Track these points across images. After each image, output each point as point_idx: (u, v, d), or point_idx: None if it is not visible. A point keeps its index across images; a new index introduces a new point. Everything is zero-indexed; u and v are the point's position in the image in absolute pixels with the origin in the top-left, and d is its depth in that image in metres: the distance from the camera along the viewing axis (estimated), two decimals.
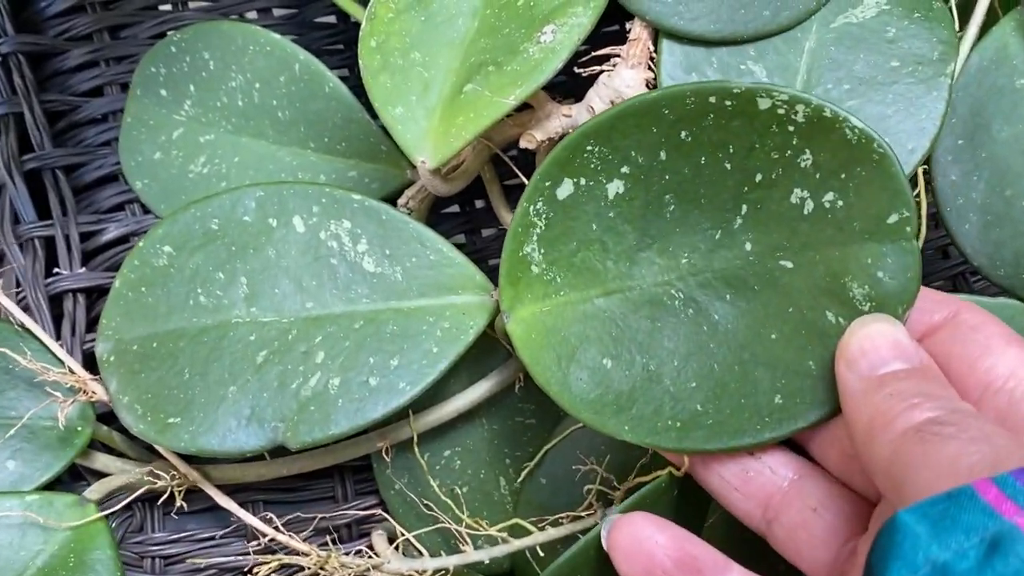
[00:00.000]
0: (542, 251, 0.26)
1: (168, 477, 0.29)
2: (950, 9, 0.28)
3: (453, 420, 0.30)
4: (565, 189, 0.26)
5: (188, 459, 0.29)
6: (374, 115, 0.30)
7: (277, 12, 0.38)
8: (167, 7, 0.37)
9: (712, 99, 0.24)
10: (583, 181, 0.26)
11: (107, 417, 0.30)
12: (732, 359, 0.24)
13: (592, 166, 0.25)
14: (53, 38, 0.36)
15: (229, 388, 0.28)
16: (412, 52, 0.28)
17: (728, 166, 0.24)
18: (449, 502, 0.30)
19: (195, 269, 0.29)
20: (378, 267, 0.29)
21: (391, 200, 0.32)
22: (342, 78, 0.34)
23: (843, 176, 0.23)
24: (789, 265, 0.24)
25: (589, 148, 0.25)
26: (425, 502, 0.30)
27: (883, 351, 0.21)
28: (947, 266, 0.35)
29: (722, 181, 0.25)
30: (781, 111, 0.23)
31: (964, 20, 0.29)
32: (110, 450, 0.31)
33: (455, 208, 0.36)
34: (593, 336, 0.25)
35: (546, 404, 0.30)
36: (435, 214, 0.35)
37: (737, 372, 0.24)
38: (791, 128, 0.23)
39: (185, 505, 0.30)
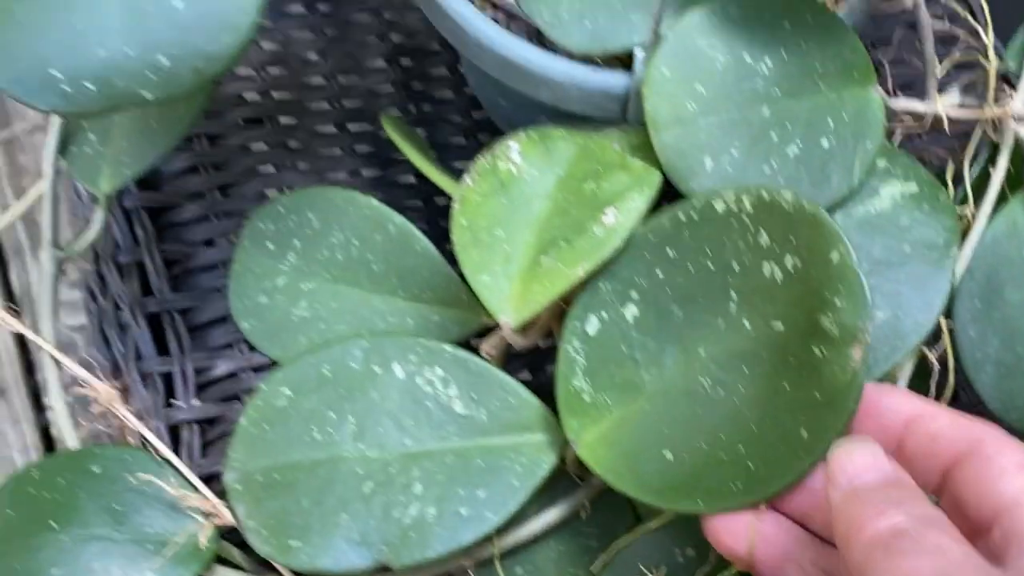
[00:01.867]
0: (588, 381, 0.32)
1: None
2: (965, 195, 0.33)
3: (527, 541, 0.34)
4: (592, 325, 0.32)
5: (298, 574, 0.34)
6: (455, 267, 0.35)
7: (365, 173, 0.43)
8: (269, 169, 0.43)
9: (681, 216, 0.31)
10: (605, 314, 0.32)
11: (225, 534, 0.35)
12: (762, 415, 0.29)
13: (609, 300, 0.32)
14: (170, 194, 0.42)
15: (341, 515, 0.33)
16: (496, 229, 0.33)
17: (711, 265, 0.30)
18: None
19: (310, 409, 0.34)
20: (466, 409, 0.33)
21: (468, 340, 0.37)
22: (422, 231, 0.39)
23: (792, 239, 0.29)
24: (780, 326, 0.29)
25: (602, 286, 0.32)
26: None
27: (859, 467, 0.25)
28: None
29: (710, 279, 0.30)
30: (734, 207, 0.30)
31: (979, 197, 0.34)
32: (228, 563, 0.35)
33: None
34: (650, 438, 0.30)
35: (608, 527, 0.34)
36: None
37: (769, 424, 0.29)
38: (744, 217, 0.30)
39: None
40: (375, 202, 0.39)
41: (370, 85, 0.45)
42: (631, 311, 0.31)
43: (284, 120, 0.44)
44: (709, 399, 0.30)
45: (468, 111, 0.45)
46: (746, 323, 0.30)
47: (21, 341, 0.78)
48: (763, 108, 0.33)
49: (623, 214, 0.32)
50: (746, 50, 0.33)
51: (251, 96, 0.44)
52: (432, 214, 0.43)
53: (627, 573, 0.34)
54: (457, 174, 0.37)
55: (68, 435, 0.36)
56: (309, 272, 0.40)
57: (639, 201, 0.32)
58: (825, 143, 0.33)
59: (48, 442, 1.01)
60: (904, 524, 0.23)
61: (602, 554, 0.34)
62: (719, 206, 0.30)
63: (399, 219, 0.39)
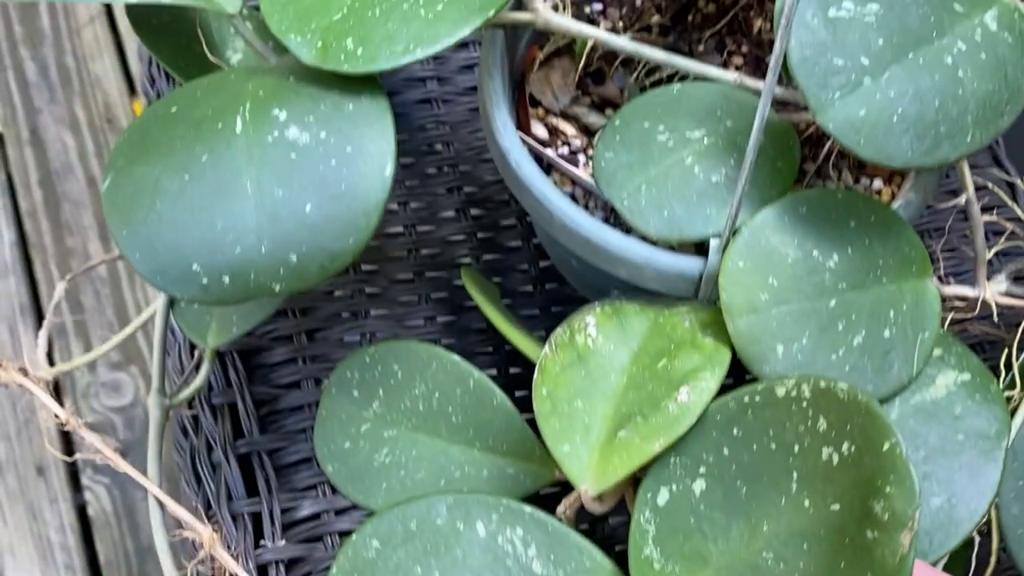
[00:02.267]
0: (658, 550, 0.34)
1: None
2: (1013, 380, 0.36)
3: None
4: (663, 497, 0.34)
5: None
6: (530, 421, 0.38)
7: (440, 319, 0.46)
8: (351, 314, 0.46)
9: (746, 399, 0.33)
10: (675, 487, 0.34)
11: None
12: None
13: (679, 473, 0.34)
14: (259, 338, 0.45)
15: None
16: (575, 400, 0.36)
17: (773, 446, 0.32)
18: None
19: (398, 562, 0.36)
20: (544, 570, 0.36)
21: (539, 492, 0.39)
22: (492, 376, 0.42)
23: (848, 428, 0.31)
24: (837, 507, 0.31)
25: (672, 460, 0.34)
26: None
27: None
28: None
29: (772, 458, 0.33)
30: (793, 392, 0.32)
31: None
32: None
33: None
34: None
35: None
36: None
37: None
38: (803, 403, 0.32)
39: None
40: (456, 357, 0.42)
41: (445, 234, 0.48)
42: (699, 485, 0.34)
43: (366, 267, 0.46)
44: (772, 573, 0.32)
45: (535, 260, 0.48)
46: (806, 503, 0.32)
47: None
48: (830, 300, 0.35)
49: (696, 393, 0.35)
50: (815, 246, 0.35)
51: None
52: (502, 360, 0.46)
53: None
54: (525, 321, 0.40)
55: (169, 572, 0.38)
56: (392, 420, 0.42)
57: (711, 381, 0.35)
58: (887, 333, 0.35)
59: (84, 521, 1.03)
60: None
61: None
62: (780, 391, 0.33)
63: (478, 374, 0.41)
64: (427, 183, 0.49)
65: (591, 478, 0.35)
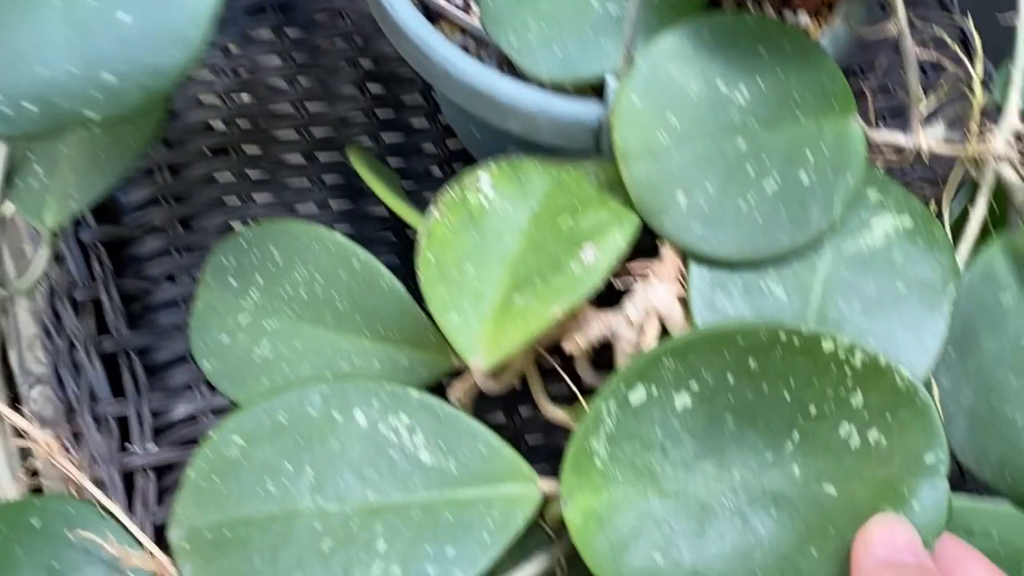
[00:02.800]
0: (607, 448, 0.29)
1: None
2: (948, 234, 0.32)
3: None
4: (638, 395, 0.29)
5: None
6: (425, 307, 0.33)
7: (333, 204, 0.42)
8: (234, 200, 0.41)
9: (782, 335, 0.27)
10: (655, 390, 0.29)
11: None
12: (774, 568, 0.26)
13: (665, 378, 0.29)
14: (129, 227, 0.40)
15: (296, 575, 0.30)
16: (465, 265, 0.31)
17: (787, 396, 0.28)
18: None
19: (264, 460, 0.32)
20: (434, 458, 0.31)
21: (439, 383, 0.35)
22: (392, 266, 0.37)
23: (888, 417, 0.27)
24: (832, 491, 0.27)
25: (665, 361, 0.29)
26: None
27: (899, 543, 0.25)
28: None
29: (780, 409, 0.28)
30: (841, 355, 0.27)
31: (959, 238, 0.32)
32: None
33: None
34: (645, 532, 0.28)
35: None
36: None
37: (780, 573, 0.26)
38: (847, 370, 0.27)
39: None
40: (339, 236, 0.37)
41: (340, 113, 0.43)
42: (683, 400, 0.29)
43: (250, 150, 0.42)
44: (723, 525, 0.28)
45: (443, 140, 0.43)
46: (796, 470, 0.27)
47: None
48: (739, 140, 0.31)
49: (602, 251, 0.30)
50: (720, 78, 0.31)
51: (216, 125, 0.42)
52: (404, 248, 0.41)
53: None
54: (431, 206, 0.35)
55: (6, 484, 0.33)
56: (272, 310, 0.37)
57: (620, 240, 0.30)
58: (804, 177, 0.31)
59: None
60: None
61: None
62: (827, 345, 0.27)
63: (363, 254, 0.37)
64: (320, 58, 0.44)
65: (482, 349, 0.30)
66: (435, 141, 0.43)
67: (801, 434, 0.27)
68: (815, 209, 0.31)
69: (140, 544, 0.32)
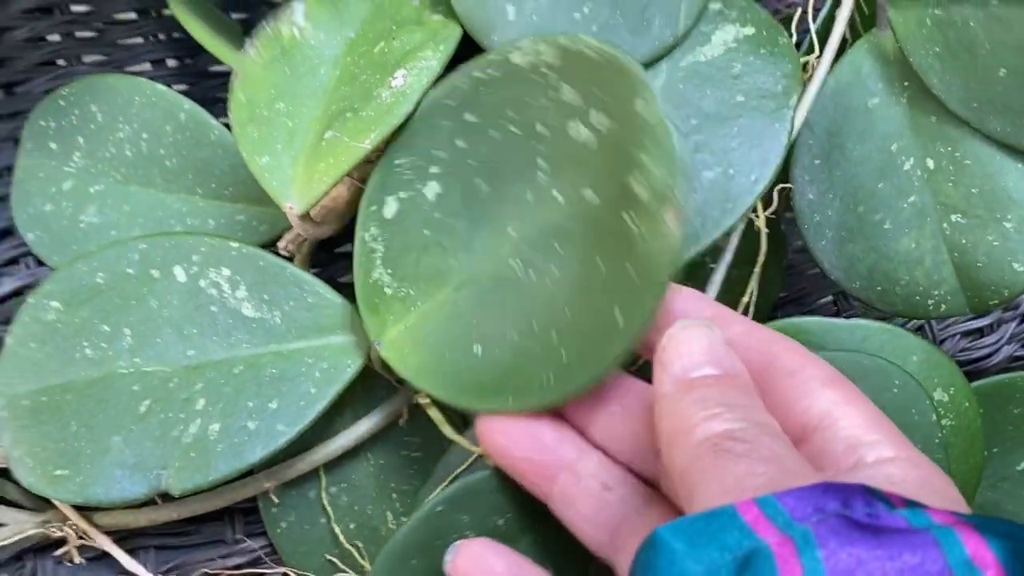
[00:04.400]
0: (389, 271, 0.28)
1: (63, 527, 0.30)
2: (810, 39, 0.30)
3: (339, 457, 0.31)
4: (390, 208, 0.28)
5: (84, 508, 0.30)
6: None
7: (171, 63, 0.39)
8: (61, 62, 0.38)
9: (478, 74, 0.27)
10: (403, 195, 0.28)
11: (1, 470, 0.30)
12: (576, 298, 0.25)
13: (406, 178, 0.27)
14: None
15: (113, 438, 0.28)
16: (277, 103, 0.29)
17: (514, 129, 0.26)
18: (341, 537, 0.30)
19: (81, 323, 0.30)
20: (257, 312, 0.29)
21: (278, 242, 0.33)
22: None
23: (597, 92, 0.25)
24: (592, 195, 0.25)
25: (399, 163, 0.28)
26: (311, 540, 0.31)
27: (696, 355, 0.22)
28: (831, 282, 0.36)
29: (516, 145, 0.26)
30: (532, 58, 0.26)
31: (823, 43, 0.30)
32: (5, 501, 0.31)
33: (348, 248, 0.37)
34: (458, 331, 0.26)
35: (431, 436, 0.31)
36: (328, 253, 0.36)
37: (583, 308, 0.25)
38: (546, 71, 0.26)
39: (77, 554, 0.30)
40: (160, 87, 0.34)
41: None
42: (432, 189, 0.27)
43: (78, 8, 0.38)
44: (521, 284, 0.26)
45: None
46: (557, 194, 0.26)
47: None
48: None
49: (413, 75, 0.28)
50: None
51: None
52: None
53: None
54: None
55: None
56: (97, 173, 0.35)
57: (433, 60, 0.28)
58: None
59: None
60: (739, 428, 0.20)
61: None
62: (518, 59, 0.26)
63: (189, 105, 0.34)
64: None
65: (296, 192, 0.28)
66: None
67: (543, 159, 0.26)
68: (657, 19, 0.28)
69: None
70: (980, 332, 0.36)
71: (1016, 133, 0.30)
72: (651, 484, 0.24)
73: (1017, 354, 0.36)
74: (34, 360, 0.30)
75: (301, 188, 0.28)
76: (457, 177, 0.27)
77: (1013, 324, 0.36)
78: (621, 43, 0.28)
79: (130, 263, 0.30)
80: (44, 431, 0.29)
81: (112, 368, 0.29)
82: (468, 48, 0.28)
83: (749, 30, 0.28)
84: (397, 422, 0.31)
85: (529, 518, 0.26)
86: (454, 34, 0.28)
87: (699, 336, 0.22)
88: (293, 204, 0.28)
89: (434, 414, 0.28)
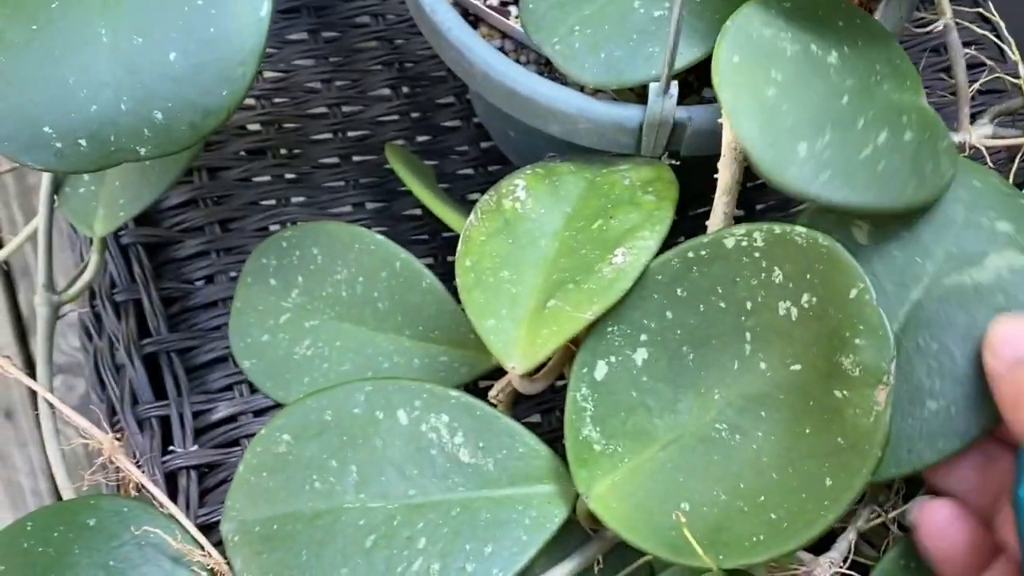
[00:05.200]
0: (598, 429, 0.30)
1: None
2: None
3: None
4: (601, 370, 0.30)
5: None
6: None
7: (369, 206, 0.42)
8: (271, 202, 0.42)
9: (690, 254, 0.29)
10: (613, 359, 0.30)
11: None
12: (783, 462, 0.27)
13: (617, 344, 0.30)
14: (168, 229, 0.41)
15: (341, 570, 0.31)
16: (501, 271, 0.32)
17: (723, 304, 0.29)
18: None
19: (311, 457, 0.33)
20: (472, 458, 0.32)
21: (477, 381, 0.36)
22: (428, 265, 0.38)
23: (808, 276, 0.28)
24: (798, 367, 0.28)
25: (610, 330, 0.30)
26: None
27: (1020, 341, 0.27)
28: None
29: (722, 319, 0.29)
30: (744, 243, 0.28)
31: None
32: None
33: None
34: (665, 487, 0.29)
35: None
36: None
37: (790, 471, 0.27)
38: (756, 254, 0.28)
39: None
40: (380, 237, 0.38)
41: (374, 114, 0.44)
42: (641, 355, 0.30)
43: (286, 151, 0.42)
44: (727, 446, 0.28)
45: (476, 141, 0.44)
46: (762, 364, 0.28)
47: (29, 360, 0.77)
48: (842, 98, 0.30)
49: (633, 253, 0.31)
50: (811, 40, 0.30)
51: (253, 126, 0.43)
52: (439, 248, 0.42)
53: None
54: (465, 206, 0.36)
55: (64, 484, 0.34)
56: (313, 309, 0.38)
57: (650, 239, 0.31)
58: (907, 136, 0.30)
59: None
60: None
61: None
62: (729, 242, 0.29)
63: (405, 255, 0.37)
64: (354, 59, 0.44)
65: (518, 354, 0.31)
66: (468, 142, 0.44)
67: (750, 332, 0.28)
68: (928, 165, 0.30)
69: (195, 540, 0.32)
70: None
71: None
72: None
73: None
74: (265, 489, 0.33)
75: (524, 350, 0.31)
76: (664, 345, 0.30)
77: None
78: (905, 184, 0.29)
79: (357, 404, 0.33)
80: (276, 558, 0.32)
81: (339, 502, 0.32)
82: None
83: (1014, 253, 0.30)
84: (592, 569, 0.33)
85: None
86: (668, 215, 0.31)
87: (1018, 326, 0.28)
88: (516, 365, 0.31)
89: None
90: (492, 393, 0.34)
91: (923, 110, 0.31)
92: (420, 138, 0.44)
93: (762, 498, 0.27)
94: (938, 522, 0.28)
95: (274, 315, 0.38)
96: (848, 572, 0.29)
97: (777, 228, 0.28)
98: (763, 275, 0.28)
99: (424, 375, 0.37)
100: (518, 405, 0.39)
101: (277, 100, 0.43)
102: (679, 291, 0.30)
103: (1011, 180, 0.33)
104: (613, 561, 0.32)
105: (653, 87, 0.32)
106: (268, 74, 0.43)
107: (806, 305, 0.27)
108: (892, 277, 0.30)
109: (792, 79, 0.30)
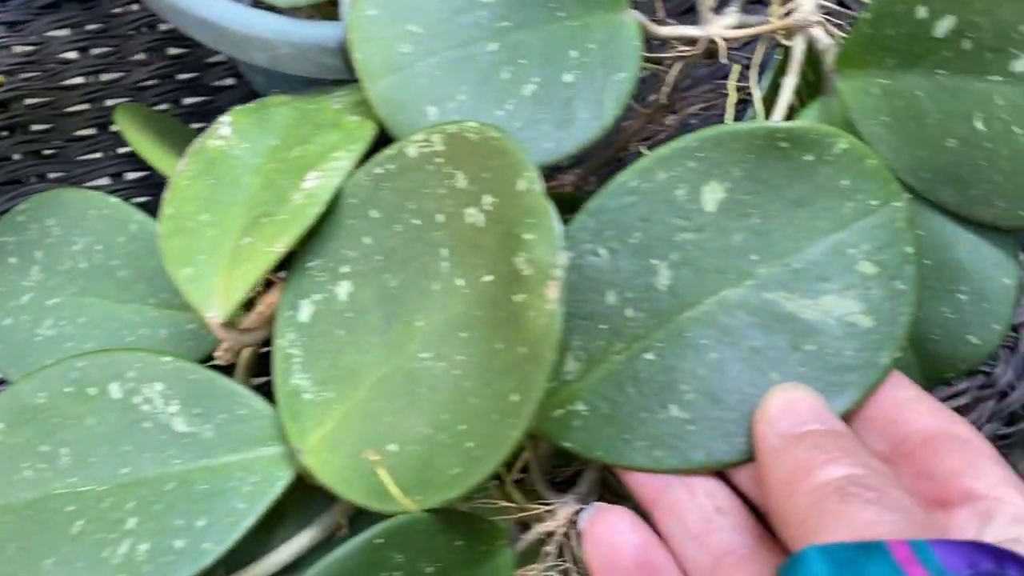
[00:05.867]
0: (308, 376, 0.27)
1: None
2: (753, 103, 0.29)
3: (277, 573, 0.30)
4: (305, 311, 0.27)
5: None
6: None
7: (129, 176, 0.39)
8: (26, 181, 0.39)
9: (377, 170, 0.27)
10: (318, 296, 0.27)
11: None
12: (480, 384, 0.24)
13: (319, 279, 0.27)
14: None
15: (46, 562, 0.28)
16: (202, 214, 0.29)
17: (416, 221, 0.26)
18: None
19: (23, 443, 0.30)
20: (189, 426, 0.29)
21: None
22: None
23: (485, 176, 0.25)
24: (489, 277, 0.25)
25: (310, 265, 0.27)
26: None
27: (803, 413, 0.23)
28: None
29: (418, 236, 0.26)
30: (425, 148, 0.26)
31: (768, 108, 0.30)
32: None
33: None
34: (373, 431, 0.26)
35: None
36: None
37: (486, 393, 0.24)
38: (439, 159, 0.26)
39: None
40: (113, 199, 0.34)
41: (136, 79, 0.40)
42: (344, 288, 0.27)
43: (39, 127, 0.39)
44: (431, 376, 0.26)
45: (248, 98, 0.41)
46: (459, 281, 0.25)
47: None
48: (490, 43, 0.28)
49: (325, 176, 0.28)
50: None
51: (2, 103, 0.40)
52: None
53: None
54: None
55: None
56: (54, 286, 0.35)
57: (345, 160, 0.28)
58: (568, 77, 0.28)
59: None
60: (863, 474, 0.21)
61: None
62: (411, 151, 0.26)
63: (140, 216, 0.34)
64: (112, 25, 0.41)
65: (218, 302, 0.28)
66: (240, 99, 0.41)
67: (446, 246, 0.26)
68: (583, 110, 0.28)
69: None
70: (958, 411, 0.35)
71: (967, 204, 0.28)
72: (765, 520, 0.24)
73: (1000, 432, 0.34)
74: None
75: (221, 297, 0.28)
76: (367, 275, 0.27)
77: (991, 402, 0.34)
78: (547, 138, 0.28)
79: (69, 381, 0.30)
80: None
81: (49, 489, 0.29)
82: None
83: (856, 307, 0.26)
84: (335, 535, 0.30)
85: (461, 570, 0.26)
86: (368, 133, 0.28)
87: (802, 396, 0.24)
88: (215, 314, 0.28)
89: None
90: (217, 353, 0.31)
91: (615, 30, 0.29)
92: (188, 100, 0.41)
93: (462, 427, 0.24)
94: (607, 532, 0.25)
95: (16, 296, 0.35)
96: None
97: (452, 127, 0.25)
98: (447, 181, 0.25)
99: (172, 346, 0.34)
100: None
101: (27, 75, 0.40)
102: (373, 212, 0.27)
103: (755, 63, 0.30)
104: (362, 523, 0.29)
105: None
106: (17, 48, 0.40)
107: (489, 208, 0.25)
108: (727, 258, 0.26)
109: (433, 31, 0.28)
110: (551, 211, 0.23)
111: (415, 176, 0.26)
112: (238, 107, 0.31)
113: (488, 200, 0.25)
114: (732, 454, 0.25)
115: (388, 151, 0.26)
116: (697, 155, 0.26)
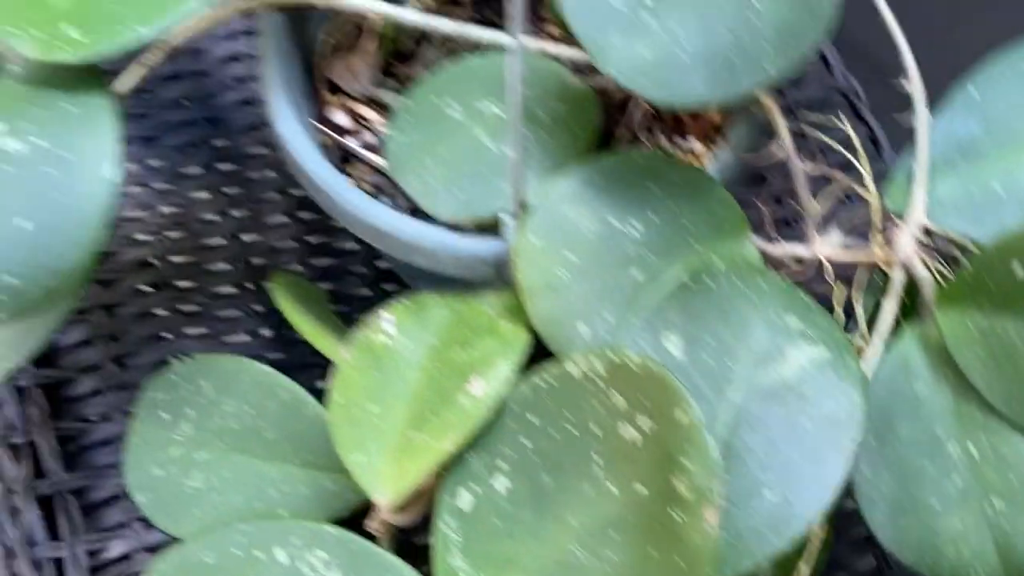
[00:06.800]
0: (466, 559, 0.31)
1: None
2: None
3: None
4: (465, 500, 0.31)
5: None
6: None
7: (265, 333, 0.43)
8: (168, 336, 0.42)
9: (540, 382, 0.30)
10: (477, 488, 0.31)
11: None
12: None
13: (479, 472, 0.31)
14: (64, 368, 0.41)
15: None
16: (369, 405, 0.33)
17: (573, 430, 0.29)
18: None
19: None
20: None
21: (368, 506, 0.36)
22: (323, 389, 0.38)
23: (643, 400, 0.28)
24: (643, 489, 0.28)
25: (471, 458, 0.31)
26: None
27: None
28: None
29: (574, 444, 0.29)
30: (587, 370, 0.29)
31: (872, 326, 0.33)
32: None
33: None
34: None
35: None
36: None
37: None
38: (598, 381, 0.29)
39: None
40: (266, 368, 0.38)
41: (272, 242, 0.44)
42: (502, 483, 0.30)
43: (183, 284, 0.43)
44: (584, 569, 0.29)
45: (371, 260, 0.45)
46: (612, 488, 0.29)
47: None
48: (633, 271, 0.32)
49: (490, 381, 0.31)
50: (613, 215, 0.33)
51: (150, 261, 0.44)
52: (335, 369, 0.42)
53: None
54: (355, 329, 0.37)
55: None
56: (203, 442, 0.39)
57: (505, 367, 0.31)
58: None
59: None
60: None
61: None
62: (573, 370, 0.30)
63: (289, 384, 0.38)
64: (251, 189, 0.46)
65: (385, 487, 0.31)
66: (364, 262, 0.45)
67: (600, 456, 0.29)
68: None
69: None
70: None
71: None
72: None
73: None
74: None
75: (389, 484, 0.31)
76: (524, 473, 0.30)
77: None
78: None
79: (236, 545, 0.33)
80: None
81: None
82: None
83: (824, 352, 0.31)
84: None
85: None
86: (523, 342, 0.32)
87: None
88: (384, 498, 0.31)
89: None
90: (370, 525, 0.34)
91: (738, 256, 0.33)
92: (317, 262, 0.45)
93: None
94: None
95: (166, 449, 0.39)
96: None
97: (612, 355, 0.29)
98: (606, 400, 0.29)
99: (312, 503, 0.37)
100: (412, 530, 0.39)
101: (173, 235, 0.44)
102: (532, 418, 0.30)
103: (858, 282, 0.34)
104: None
105: (504, 217, 0.33)
106: (164, 210, 0.44)
107: (646, 429, 0.28)
108: (710, 383, 0.31)
109: (586, 260, 0.32)
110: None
111: (575, 391, 0.30)
112: (396, 304, 0.35)
113: (645, 422, 0.28)
114: None
115: (552, 368, 0.30)
116: None
